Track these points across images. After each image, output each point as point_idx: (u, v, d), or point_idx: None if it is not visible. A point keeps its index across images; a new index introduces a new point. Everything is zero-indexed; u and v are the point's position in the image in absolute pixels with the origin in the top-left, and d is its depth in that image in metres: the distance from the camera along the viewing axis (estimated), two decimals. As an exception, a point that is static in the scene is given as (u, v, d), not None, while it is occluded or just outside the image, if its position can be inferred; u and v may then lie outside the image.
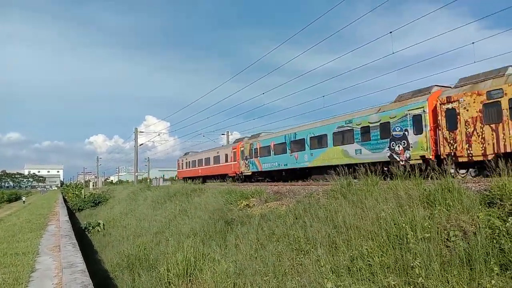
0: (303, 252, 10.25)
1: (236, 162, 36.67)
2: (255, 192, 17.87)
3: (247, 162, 34.13)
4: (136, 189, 44.04)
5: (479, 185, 9.86)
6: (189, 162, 50.67)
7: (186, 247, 13.36)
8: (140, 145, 65.08)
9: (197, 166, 47.83)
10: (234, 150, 37.65)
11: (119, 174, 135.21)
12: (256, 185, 23.70)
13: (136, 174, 65.07)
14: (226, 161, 39.14)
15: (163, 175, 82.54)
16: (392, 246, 8.15)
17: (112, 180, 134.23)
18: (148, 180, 64.36)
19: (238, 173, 36.08)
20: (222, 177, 39.21)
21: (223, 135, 61.08)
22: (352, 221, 9.97)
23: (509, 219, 7.05)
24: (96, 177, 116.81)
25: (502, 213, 7.55)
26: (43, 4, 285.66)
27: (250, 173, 33.88)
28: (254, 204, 16.29)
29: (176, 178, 60.27)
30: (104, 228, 30.02)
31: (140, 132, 64.74)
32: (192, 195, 24.54)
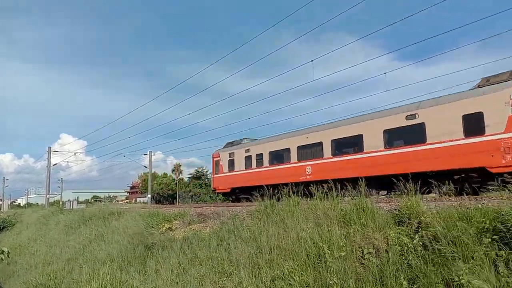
0: (226, 274, 10.19)
1: None
2: (178, 215, 17.51)
3: None
4: (47, 213, 40.90)
5: (390, 204, 10.56)
6: (253, 156, 25.83)
7: (102, 274, 12.71)
8: (54, 165, 60.76)
9: (288, 161, 22.91)
10: None
11: (28, 196, 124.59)
12: (180, 207, 23.22)
13: (48, 196, 60.31)
14: (473, 131, 15.05)
15: (77, 197, 77.67)
16: (312, 265, 8.40)
17: (19, 203, 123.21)
18: (61, 203, 59.89)
19: None
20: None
21: (145, 155, 59.20)
22: (275, 241, 10.14)
23: (415, 237, 7.64)
24: (1, 199, 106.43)
25: (410, 231, 8.15)
26: None
27: None
28: (176, 227, 15.93)
29: (213, 191, 33.52)
30: (8, 256, 27.21)
31: (54, 151, 60.51)
32: (109, 219, 23.34)
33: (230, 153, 28.37)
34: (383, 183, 16.64)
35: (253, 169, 25.55)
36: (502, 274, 6.11)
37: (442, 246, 7.01)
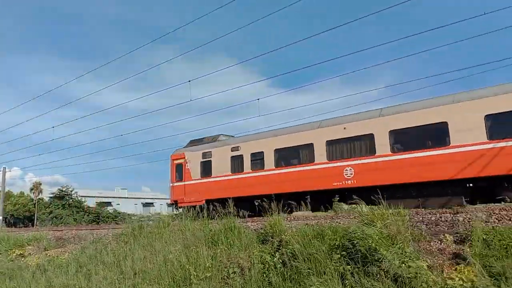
0: (83, 303, 9.42)
1: None
2: (33, 239, 15.80)
3: None
4: None
5: (256, 224, 11.01)
6: (246, 156, 19.17)
7: None
8: None
9: (309, 161, 17.00)
10: None
11: None
12: (36, 230, 20.89)
13: None
14: None
15: None
16: (177, 288, 8.27)
17: None
18: None
19: None
20: None
21: (-2, 172, 51.69)
22: (141, 265, 9.76)
23: (276, 254, 8.09)
24: None
25: (272, 249, 8.59)
26: None
27: None
28: (30, 253, 14.40)
29: (172, 205, 22.56)
30: None
31: None
32: None
33: (204, 153, 20.74)
34: (475, 188, 12.90)
35: (247, 173, 19.04)
36: (348, 286, 6.80)
37: (299, 263, 7.53)
